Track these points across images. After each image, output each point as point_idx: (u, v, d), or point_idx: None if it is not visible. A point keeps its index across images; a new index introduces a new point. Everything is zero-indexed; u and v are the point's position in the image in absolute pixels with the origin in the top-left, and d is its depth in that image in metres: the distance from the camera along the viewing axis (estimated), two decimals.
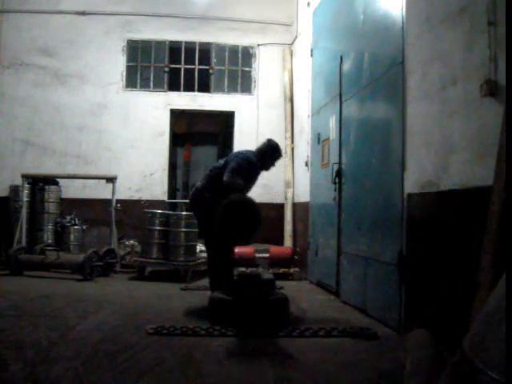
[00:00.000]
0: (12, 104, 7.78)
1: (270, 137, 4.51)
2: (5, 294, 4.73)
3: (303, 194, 6.86)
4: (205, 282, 5.81)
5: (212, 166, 4.40)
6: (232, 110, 8.28)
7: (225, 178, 3.88)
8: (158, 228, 6.11)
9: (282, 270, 6.35)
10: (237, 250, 5.78)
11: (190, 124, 10.64)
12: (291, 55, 8.09)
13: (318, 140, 5.95)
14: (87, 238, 7.36)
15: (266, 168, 4.36)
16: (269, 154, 4.28)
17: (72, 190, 7.61)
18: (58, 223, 7.21)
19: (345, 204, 4.93)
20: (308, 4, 6.88)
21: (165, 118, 8.12)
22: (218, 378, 2.54)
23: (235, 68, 8.33)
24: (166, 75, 8.18)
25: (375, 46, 4.28)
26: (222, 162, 4.24)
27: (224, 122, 9.89)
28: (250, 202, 3.64)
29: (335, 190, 5.08)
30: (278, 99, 8.13)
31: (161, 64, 8.17)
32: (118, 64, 8.04)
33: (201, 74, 8.27)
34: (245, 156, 4.13)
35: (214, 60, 8.28)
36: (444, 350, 2.36)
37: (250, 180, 4.18)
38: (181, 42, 8.22)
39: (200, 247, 6.26)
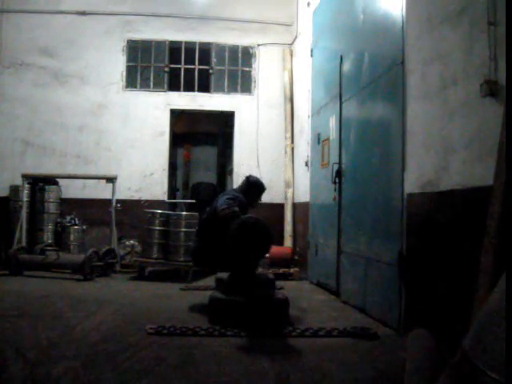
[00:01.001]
0: (12, 104, 7.77)
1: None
2: (5, 294, 4.74)
3: (303, 193, 6.86)
4: (205, 281, 5.83)
5: (196, 230, 4.63)
6: (232, 110, 8.26)
7: (220, 212, 3.84)
8: (158, 228, 6.12)
9: (282, 270, 6.35)
10: None
11: (190, 124, 10.64)
12: (291, 55, 8.08)
13: (318, 140, 5.95)
14: (87, 238, 7.34)
15: (252, 204, 4.39)
16: (252, 190, 4.35)
17: (72, 189, 7.60)
18: (58, 223, 7.20)
19: (345, 204, 4.93)
20: (308, 4, 6.87)
21: (165, 117, 8.11)
22: (218, 377, 2.54)
23: (235, 68, 8.32)
24: (165, 75, 8.17)
25: (375, 46, 4.28)
26: (204, 216, 4.43)
27: (224, 122, 9.88)
28: (255, 219, 3.65)
29: (335, 190, 5.08)
30: (278, 99, 8.12)
31: (161, 64, 8.16)
32: (118, 64, 8.03)
33: (201, 74, 8.26)
34: (230, 193, 4.23)
35: (214, 60, 8.28)
36: (444, 350, 2.36)
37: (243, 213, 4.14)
38: (181, 42, 8.22)
39: None
